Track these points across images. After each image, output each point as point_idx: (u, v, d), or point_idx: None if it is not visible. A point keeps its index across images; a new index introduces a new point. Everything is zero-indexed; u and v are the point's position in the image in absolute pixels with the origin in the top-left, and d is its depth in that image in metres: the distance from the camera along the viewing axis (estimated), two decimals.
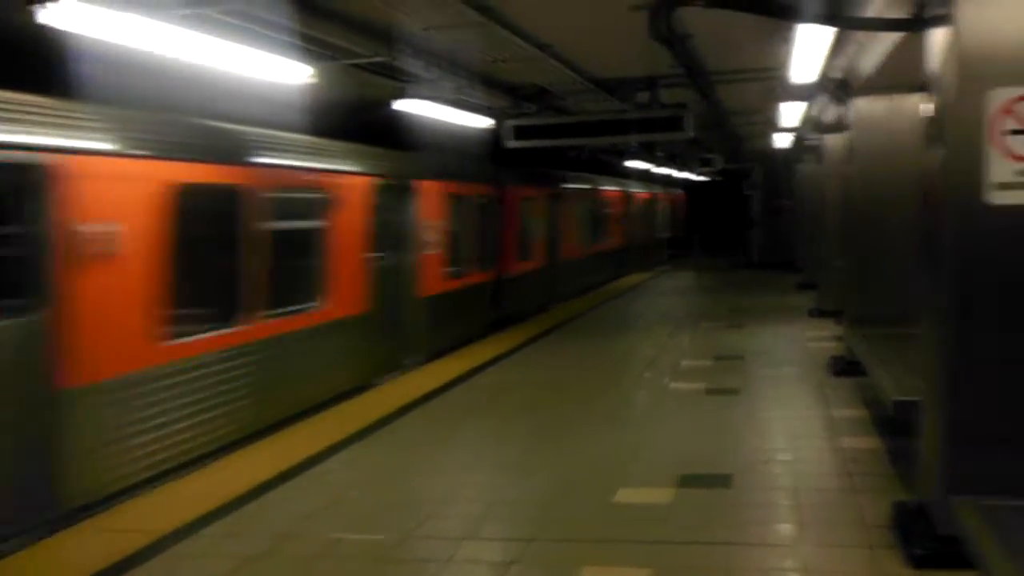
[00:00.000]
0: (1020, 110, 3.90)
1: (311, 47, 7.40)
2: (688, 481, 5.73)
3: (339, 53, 8.04)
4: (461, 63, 9.30)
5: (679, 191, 33.39)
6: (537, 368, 10.27)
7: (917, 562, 4.23)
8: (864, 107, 8.38)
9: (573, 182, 18.24)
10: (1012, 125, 3.91)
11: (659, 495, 5.48)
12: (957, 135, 4.02)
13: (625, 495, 5.51)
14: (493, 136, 11.58)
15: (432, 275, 10.86)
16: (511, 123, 10.70)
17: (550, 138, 10.92)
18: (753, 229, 25.36)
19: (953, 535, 3.89)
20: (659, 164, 24.65)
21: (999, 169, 3.95)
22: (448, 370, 9.85)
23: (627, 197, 23.22)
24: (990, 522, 3.44)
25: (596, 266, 19.57)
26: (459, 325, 11.74)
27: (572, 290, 17.33)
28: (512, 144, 10.76)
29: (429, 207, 10.79)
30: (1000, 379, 4.04)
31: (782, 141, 18.30)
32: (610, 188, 21.40)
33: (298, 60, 6.60)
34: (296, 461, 6.32)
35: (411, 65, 8.73)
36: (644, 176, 23.99)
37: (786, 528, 4.96)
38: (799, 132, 16.10)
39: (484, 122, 11.21)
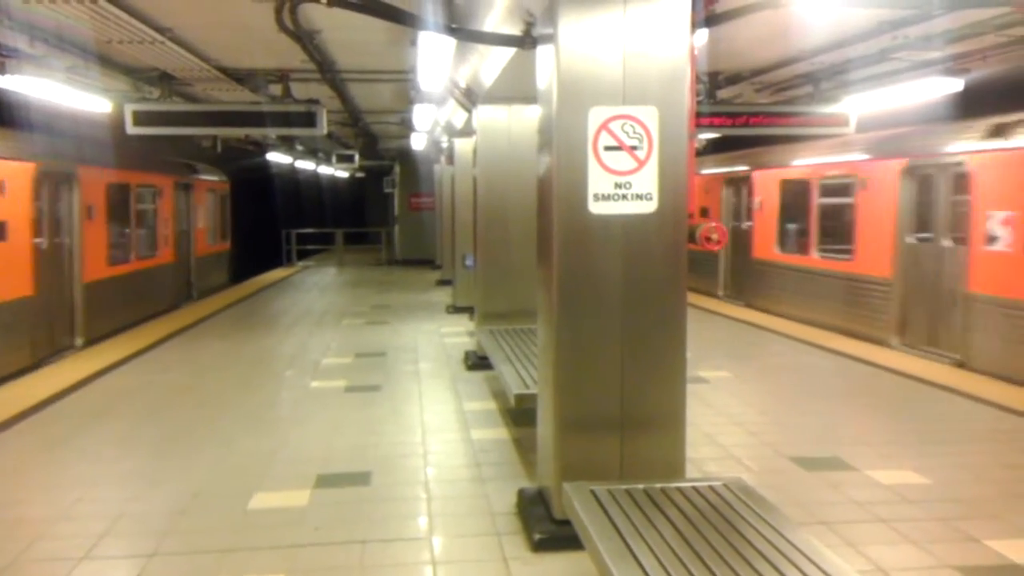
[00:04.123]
0: (614, 128, 4.32)
1: None
2: (326, 481, 5.72)
3: None
4: (73, 41, 8.43)
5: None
6: (171, 369, 9.64)
7: (537, 546, 4.54)
8: (487, 114, 8.87)
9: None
10: (608, 141, 4.32)
11: (296, 498, 5.40)
12: (562, 147, 4.36)
13: (261, 500, 5.38)
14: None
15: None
16: (130, 107, 9.88)
17: (176, 125, 10.27)
18: (395, 226, 25.88)
19: (567, 519, 4.19)
20: (299, 157, 24.26)
21: (599, 181, 4.34)
22: (71, 373, 9.07)
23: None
24: (591, 505, 3.77)
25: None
26: None
27: None
28: (133, 130, 9.96)
29: None
30: (594, 373, 4.46)
31: (419, 141, 18.86)
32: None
33: None
34: None
35: (12, 39, 7.85)
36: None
37: (421, 521, 5.07)
38: (434, 134, 16.68)
39: (103, 105, 10.40)
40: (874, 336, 10.50)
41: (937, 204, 9.70)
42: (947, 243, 9.52)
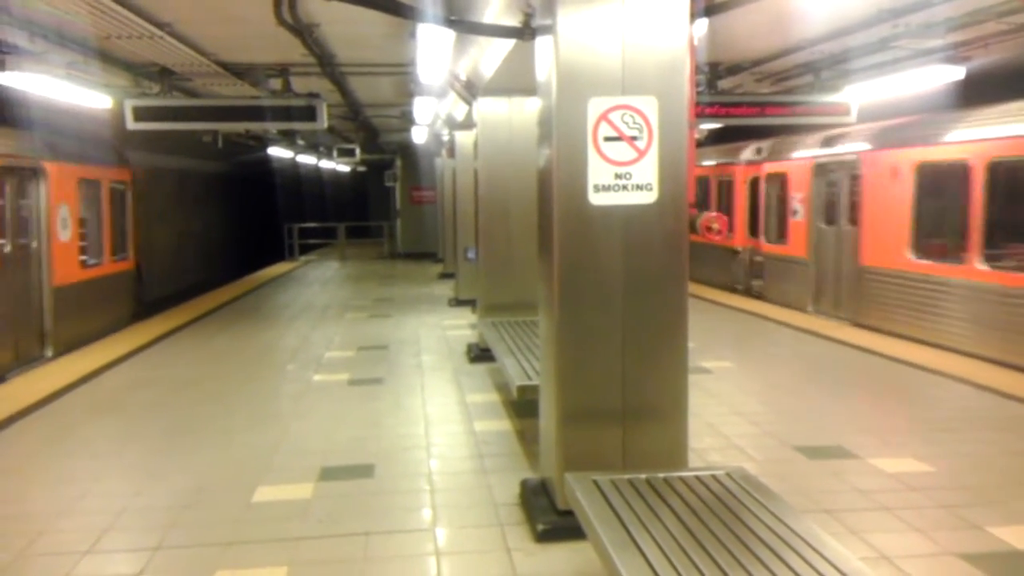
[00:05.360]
0: (614, 118, 4.32)
1: None
2: (329, 474, 5.74)
3: None
4: (72, 37, 8.43)
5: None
6: (174, 363, 9.65)
7: (540, 536, 4.56)
8: (488, 107, 8.86)
9: None
10: (608, 132, 4.31)
11: (299, 491, 5.43)
12: (562, 138, 4.35)
13: (264, 493, 5.40)
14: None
15: None
16: (130, 103, 9.88)
17: (176, 121, 10.25)
18: (397, 219, 25.89)
19: (570, 509, 4.19)
20: (300, 152, 24.24)
21: (599, 172, 4.34)
22: (74, 368, 9.11)
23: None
24: (594, 495, 3.77)
25: None
26: None
27: None
28: (133, 126, 9.96)
29: None
30: (595, 364, 4.47)
31: (420, 135, 18.85)
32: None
33: None
34: None
35: (12, 35, 7.85)
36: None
37: (424, 513, 5.09)
38: (435, 127, 16.68)
39: (103, 100, 10.44)
40: None
41: None
42: None
